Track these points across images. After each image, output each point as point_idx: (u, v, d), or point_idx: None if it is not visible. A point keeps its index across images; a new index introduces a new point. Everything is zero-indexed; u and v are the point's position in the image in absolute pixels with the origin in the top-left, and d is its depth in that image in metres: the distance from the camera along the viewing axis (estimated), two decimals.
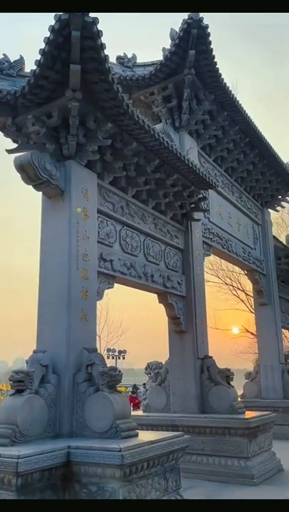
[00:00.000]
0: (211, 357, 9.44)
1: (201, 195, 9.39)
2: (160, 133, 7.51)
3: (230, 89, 10.41)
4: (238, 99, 10.77)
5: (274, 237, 16.48)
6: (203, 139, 10.93)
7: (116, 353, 36.68)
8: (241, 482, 7.65)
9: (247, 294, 31.29)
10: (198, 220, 9.91)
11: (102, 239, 7.18)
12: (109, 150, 7.16)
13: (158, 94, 9.97)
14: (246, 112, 11.24)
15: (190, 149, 9.77)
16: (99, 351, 6.44)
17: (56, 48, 5.72)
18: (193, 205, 9.52)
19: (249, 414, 8.74)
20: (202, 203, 9.72)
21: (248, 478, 7.72)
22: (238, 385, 11.81)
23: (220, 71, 9.82)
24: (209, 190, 10.42)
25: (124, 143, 7.21)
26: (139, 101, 10.23)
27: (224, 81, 10.08)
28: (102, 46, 5.79)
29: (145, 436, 5.53)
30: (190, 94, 9.81)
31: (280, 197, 15.75)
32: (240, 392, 13.38)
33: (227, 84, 10.25)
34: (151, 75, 9.59)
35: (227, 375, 9.04)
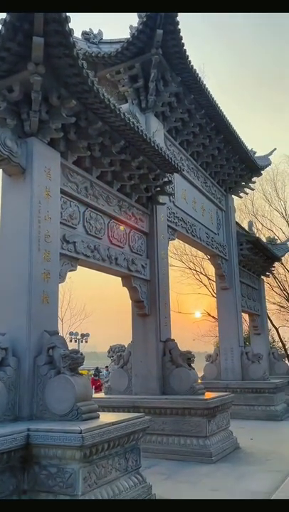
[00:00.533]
0: (173, 340, 9.56)
1: (166, 179, 9.35)
2: (126, 113, 7.37)
3: (197, 72, 10.35)
4: (204, 82, 10.74)
5: (237, 223, 16.78)
6: (170, 121, 10.85)
7: (78, 337, 36.61)
8: (200, 460, 7.86)
9: (209, 279, 31.89)
10: (163, 203, 9.89)
11: (65, 220, 7.02)
12: (73, 128, 6.96)
13: (124, 73, 9.77)
14: (212, 96, 11.23)
15: (156, 131, 9.68)
16: (61, 334, 6.35)
17: (18, 19, 5.45)
18: (158, 189, 9.48)
19: (208, 395, 8.95)
20: (167, 187, 9.70)
21: (206, 456, 7.94)
22: (199, 367, 12.09)
23: (187, 53, 9.72)
24: (175, 174, 10.41)
25: (88, 122, 7.02)
26: (105, 79, 10.00)
27: (191, 63, 10.00)
28: (67, 19, 5.56)
29: (106, 417, 5.53)
30: (157, 75, 9.67)
31: (243, 183, 16.00)
32: (200, 374, 13.70)
33: (194, 67, 10.18)
34: (118, 53, 9.37)
35: (188, 358, 9.20)
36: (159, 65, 9.55)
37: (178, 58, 9.76)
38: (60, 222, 6.79)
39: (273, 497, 5.77)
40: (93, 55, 9.63)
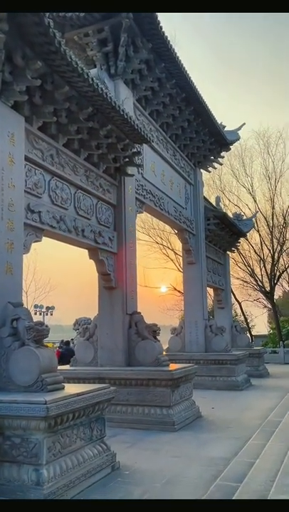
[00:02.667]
0: (139, 313, 9.61)
1: (135, 150, 9.15)
2: (94, 78, 7.07)
3: (168, 39, 10.04)
4: (176, 51, 10.46)
5: (204, 198, 16.83)
6: (139, 90, 10.55)
7: (44, 310, 36.30)
8: (163, 428, 8.06)
9: (176, 253, 32.18)
10: (131, 175, 9.71)
11: (30, 189, 6.77)
12: (38, 92, 6.63)
13: (93, 36, 9.35)
14: (183, 65, 10.98)
15: (125, 99, 9.41)
16: (26, 307, 6.22)
17: None
18: (127, 159, 9.28)
19: (173, 366, 9.12)
20: (136, 158, 9.51)
21: (170, 424, 8.15)
22: (164, 341, 12.27)
23: (159, 19, 9.38)
24: (144, 146, 10.21)
25: (55, 85, 6.70)
26: (73, 42, 9.53)
27: (163, 30, 9.68)
28: None
29: (72, 389, 5.53)
30: (127, 39, 9.32)
31: (212, 158, 15.97)
32: (165, 346, 13.93)
33: (166, 34, 9.87)
34: (87, 14, 8.91)
35: (154, 330, 9.29)
36: (129, 29, 9.19)
37: (149, 23, 9.41)
38: (25, 191, 6.54)
39: (232, 463, 6.01)
40: (60, 15, 9.11)
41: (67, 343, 17.04)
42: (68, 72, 6.55)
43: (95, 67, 9.45)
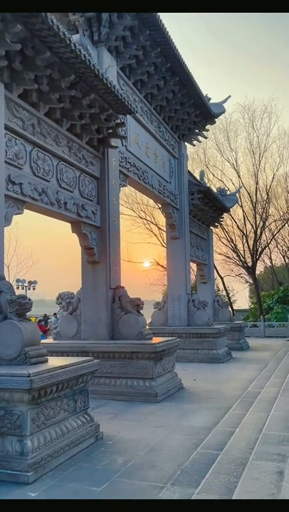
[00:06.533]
0: (123, 287, 9.60)
1: (119, 120, 8.93)
2: (77, 44, 6.79)
3: None
4: (160, 17, 10.11)
5: (189, 172, 16.69)
6: (123, 58, 10.23)
7: (26, 284, 36.07)
8: (146, 400, 8.20)
9: (160, 228, 32.19)
10: (115, 147, 9.51)
11: (10, 159, 6.56)
12: (18, 57, 6.34)
13: None
14: (169, 33, 10.65)
15: (109, 68, 9.10)
16: (8, 280, 6.12)
17: None
18: (110, 131, 9.05)
19: (156, 339, 9.21)
20: (120, 129, 9.29)
21: (152, 396, 8.29)
22: (147, 315, 12.35)
23: None
24: (128, 117, 9.99)
25: (36, 51, 6.42)
26: None
27: None
28: None
29: (55, 362, 5.53)
30: None
31: (197, 131, 15.74)
32: (148, 321, 14.05)
33: None
34: None
35: (137, 304, 9.32)
36: None
37: None
38: (5, 162, 6.35)
39: (213, 432, 6.17)
40: None
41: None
42: (50, 36, 6.26)
43: (77, 33, 9.07)
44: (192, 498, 3.93)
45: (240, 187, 29.04)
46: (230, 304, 33.61)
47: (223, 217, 21.24)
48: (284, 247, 36.87)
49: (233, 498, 3.72)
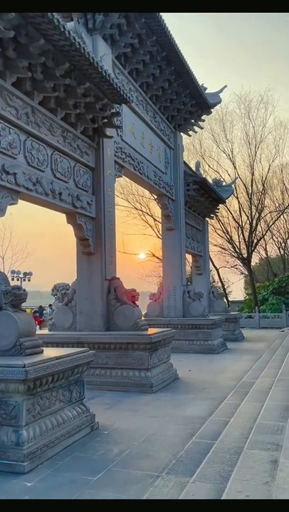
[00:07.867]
0: (118, 278, 9.58)
1: (114, 110, 8.83)
2: (71, 32, 6.68)
3: None
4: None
5: (184, 163, 16.61)
6: (119, 46, 10.09)
7: (21, 275, 35.98)
8: (141, 390, 8.23)
9: (155, 220, 32.10)
10: (110, 136, 9.42)
11: (4, 149, 6.49)
12: (12, 45, 6.24)
13: None
14: (164, 21, 10.51)
15: (104, 56, 8.99)
16: (2, 271, 6.08)
17: None
18: (105, 120, 8.96)
19: (151, 330, 9.24)
20: (115, 119, 9.20)
21: (148, 386, 8.32)
22: (142, 307, 12.37)
23: None
24: (123, 106, 9.88)
25: (29, 38, 6.31)
26: None
27: None
28: None
29: (51, 352, 5.53)
30: None
31: (193, 121, 15.64)
32: (144, 312, 14.08)
33: None
34: None
35: (133, 295, 9.32)
36: None
37: None
38: None
39: (207, 422, 6.20)
40: None
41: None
42: (43, 23, 6.15)
43: (72, 20, 8.92)
44: (187, 486, 3.96)
45: (236, 178, 28.94)
46: (226, 295, 33.73)
47: (218, 209, 21.20)
48: (279, 238, 37.02)
49: (228, 486, 3.74)
